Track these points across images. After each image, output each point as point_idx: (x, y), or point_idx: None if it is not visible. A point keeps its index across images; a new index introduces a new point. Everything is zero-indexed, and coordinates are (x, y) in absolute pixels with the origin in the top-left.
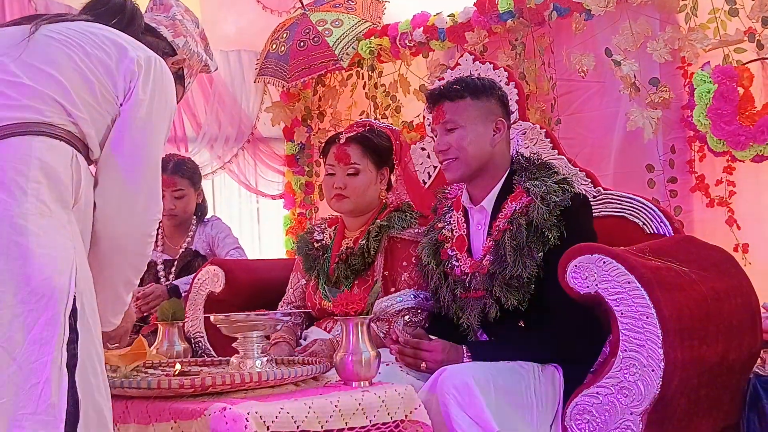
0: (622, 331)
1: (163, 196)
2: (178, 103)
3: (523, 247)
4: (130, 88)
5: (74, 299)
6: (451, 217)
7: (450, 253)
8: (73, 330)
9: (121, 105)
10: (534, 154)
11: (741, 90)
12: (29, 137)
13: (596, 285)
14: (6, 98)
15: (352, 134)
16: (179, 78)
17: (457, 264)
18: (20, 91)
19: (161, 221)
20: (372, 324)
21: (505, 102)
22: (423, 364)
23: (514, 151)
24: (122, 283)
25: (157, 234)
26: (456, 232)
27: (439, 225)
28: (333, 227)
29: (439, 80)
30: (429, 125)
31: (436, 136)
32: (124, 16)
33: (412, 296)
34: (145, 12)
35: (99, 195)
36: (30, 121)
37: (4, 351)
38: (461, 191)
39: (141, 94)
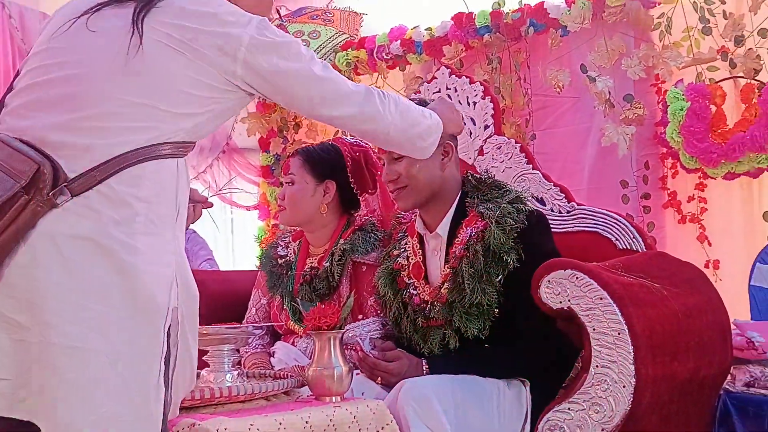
0: (594, 346)
1: None
2: None
3: (482, 274)
4: (252, 70)
5: (172, 315)
6: (406, 243)
7: (407, 281)
8: (169, 345)
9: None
10: (487, 172)
11: (714, 108)
12: (141, 165)
13: (569, 300)
14: (124, 119)
15: (299, 148)
16: None
17: (415, 292)
18: (138, 111)
19: None
20: None
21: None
22: (378, 378)
23: (465, 171)
24: None
25: None
26: (412, 259)
27: (395, 252)
28: (297, 242)
29: (415, 93)
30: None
31: (383, 165)
32: None
33: (380, 325)
34: None
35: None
36: (144, 146)
37: (110, 365)
38: (415, 217)
39: (269, 72)
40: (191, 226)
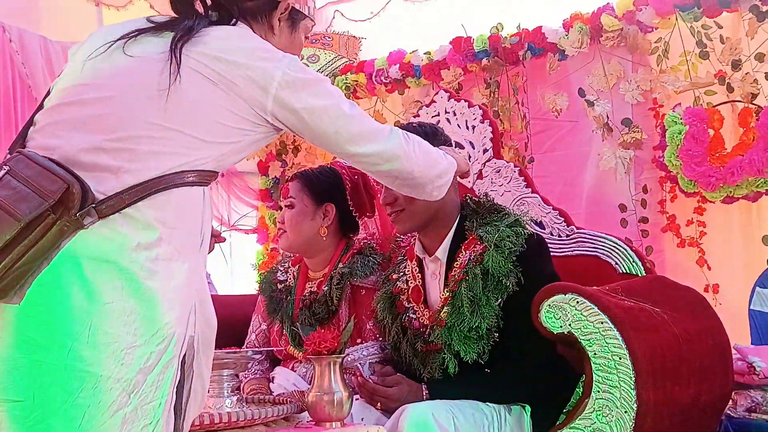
0: (596, 371)
1: None
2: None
3: (481, 298)
4: (284, 122)
5: (188, 344)
6: (405, 267)
7: (406, 305)
8: (183, 374)
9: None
10: (483, 195)
11: (711, 132)
12: (169, 191)
13: (569, 324)
14: (156, 143)
15: (297, 172)
16: (293, 20)
17: (414, 316)
18: (170, 137)
19: None
20: None
21: (448, 147)
22: (378, 404)
23: (464, 194)
24: None
25: None
26: (411, 282)
27: (394, 276)
28: (297, 266)
29: (414, 117)
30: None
31: (382, 188)
32: (221, 7)
33: (379, 349)
34: None
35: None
36: (172, 172)
37: (125, 391)
38: (414, 240)
39: (299, 108)
40: None
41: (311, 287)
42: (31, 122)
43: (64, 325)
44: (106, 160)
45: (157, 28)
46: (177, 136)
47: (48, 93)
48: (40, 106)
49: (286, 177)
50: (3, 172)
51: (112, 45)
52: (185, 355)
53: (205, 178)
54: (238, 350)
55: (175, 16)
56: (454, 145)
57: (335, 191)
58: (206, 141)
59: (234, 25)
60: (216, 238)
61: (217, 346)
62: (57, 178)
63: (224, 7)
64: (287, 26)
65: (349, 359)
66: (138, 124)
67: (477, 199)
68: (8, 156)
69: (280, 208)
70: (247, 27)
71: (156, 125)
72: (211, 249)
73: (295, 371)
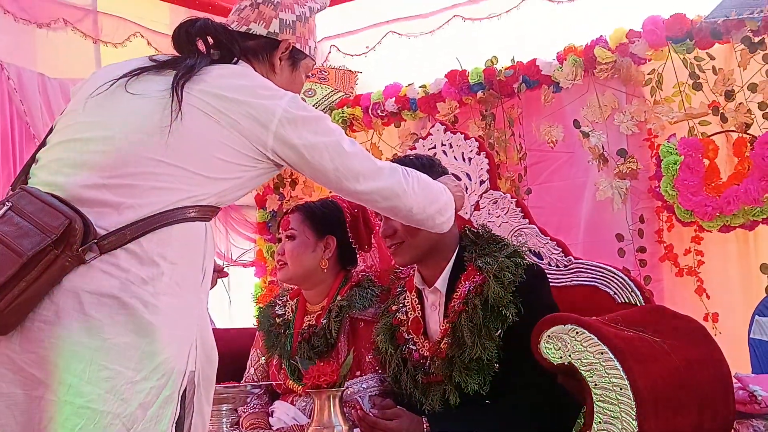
0: (596, 402)
1: None
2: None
3: (481, 328)
4: (284, 159)
5: (188, 378)
6: (404, 298)
7: (406, 336)
8: (183, 409)
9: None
10: (482, 226)
11: (707, 162)
12: (171, 226)
13: (569, 355)
14: (158, 180)
15: (298, 204)
16: (294, 60)
17: (414, 348)
18: (171, 173)
19: None
20: None
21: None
22: None
23: (463, 225)
24: None
25: None
26: (411, 314)
27: (393, 308)
28: (295, 300)
29: (410, 149)
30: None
31: (381, 220)
32: (223, 46)
33: (378, 381)
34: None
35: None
36: (173, 208)
37: (124, 426)
38: (413, 272)
39: (299, 145)
40: None
41: (309, 321)
42: (33, 159)
43: (64, 361)
44: (107, 196)
45: (159, 66)
46: (178, 172)
47: (51, 130)
48: (43, 143)
49: (284, 210)
50: (5, 208)
51: (114, 83)
52: (185, 390)
53: (207, 213)
54: (237, 385)
55: (177, 54)
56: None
57: (336, 224)
58: (208, 177)
59: (235, 63)
60: (219, 273)
61: (216, 381)
62: (59, 214)
63: (226, 46)
64: (288, 65)
65: (348, 392)
66: (139, 160)
67: (476, 230)
68: (10, 192)
69: (279, 241)
70: (248, 65)
71: (157, 161)
72: (213, 284)
73: (294, 405)
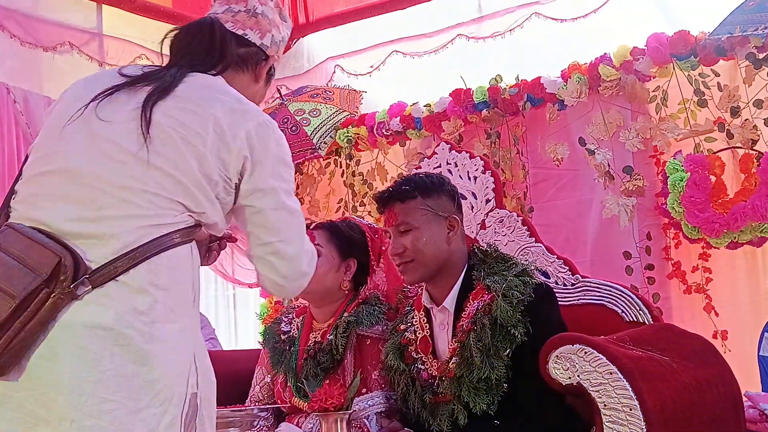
0: (606, 423)
1: None
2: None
3: (490, 348)
4: (247, 171)
5: (190, 401)
6: (413, 317)
7: (415, 356)
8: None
9: (237, 185)
10: (490, 245)
11: (713, 178)
12: (159, 255)
13: (578, 376)
14: (136, 208)
15: (322, 222)
16: (270, 76)
17: (423, 367)
18: (149, 200)
19: None
20: None
21: (454, 197)
22: None
23: (471, 244)
24: None
25: None
26: (419, 333)
27: (402, 327)
28: (301, 317)
29: (416, 168)
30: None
31: (390, 238)
32: (214, 48)
33: (384, 398)
34: (220, 3)
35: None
36: (159, 235)
37: None
38: (421, 290)
39: (262, 184)
40: None
41: (315, 337)
42: (12, 191)
43: (64, 396)
44: (90, 229)
45: (131, 82)
46: (155, 199)
47: (26, 159)
48: (20, 174)
49: None
50: None
51: (85, 108)
52: (187, 413)
53: (190, 234)
54: (243, 408)
55: (150, 67)
56: (459, 195)
57: (359, 247)
58: (182, 203)
59: (215, 74)
60: (228, 239)
61: (222, 404)
62: (48, 251)
63: (220, 51)
64: (265, 80)
65: (354, 408)
66: (114, 190)
67: (484, 249)
68: None
69: None
70: (223, 80)
71: (133, 189)
72: (214, 259)
73: (300, 426)
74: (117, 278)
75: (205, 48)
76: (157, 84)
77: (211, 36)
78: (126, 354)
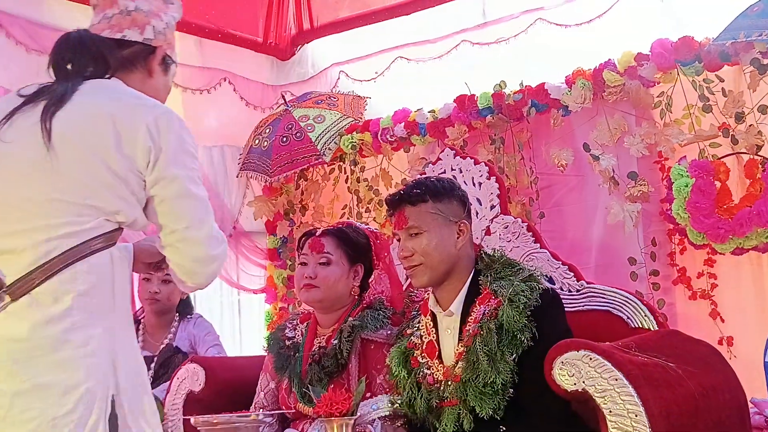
0: (612, 429)
1: (149, 280)
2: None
3: (496, 352)
4: (151, 162)
5: (113, 403)
6: (419, 322)
7: (421, 360)
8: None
9: (144, 181)
10: (497, 250)
11: (718, 184)
12: (76, 263)
13: (583, 382)
14: (44, 218)
15: (328, 228)
16: (167, 65)
17: (429, 371)
18: (58, 208)
19: (143, 316)
20: None
21: (465, 202)
22: None
23: (478, 249)
24: None
25: (138, 330)
26: (425, 337)
27: (408, 331)
28: (305, 323)
29: (420, 174)
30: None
31: (399, 241)
32: (95, 60)
33: (388, 403)
34: (96, 14)
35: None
36: (72, 247)
37: None
38: (427, 295)
39: (165, 173)
40: (197, 311)
41: (320, 342)
42: None
43: None
44: (4, 244)
45: (29, 101)
46: (64, 206)
47: None
48: None
49: (294, 236)
50: None
51: None
52: (111, 414)
53: (111, 238)
54: (249, 414)
55: (46, 83)
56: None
57: (365, 253)
58: (95, 206)
59: (109, 78)
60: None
61: (226, 410)
62: None
63: (103, 58)
64: (161, 71)
65: (359, 412)
66: (21, 204)
67: (491, 254)
68: None
69: (303, 264)
70: (118, 80)
71: (42, 200)
72: (154, 269)
73: None
74: (34, 289)
75: (88, 60)
76: (51, 96)
77: (86, 50)
78: (45, 363)
